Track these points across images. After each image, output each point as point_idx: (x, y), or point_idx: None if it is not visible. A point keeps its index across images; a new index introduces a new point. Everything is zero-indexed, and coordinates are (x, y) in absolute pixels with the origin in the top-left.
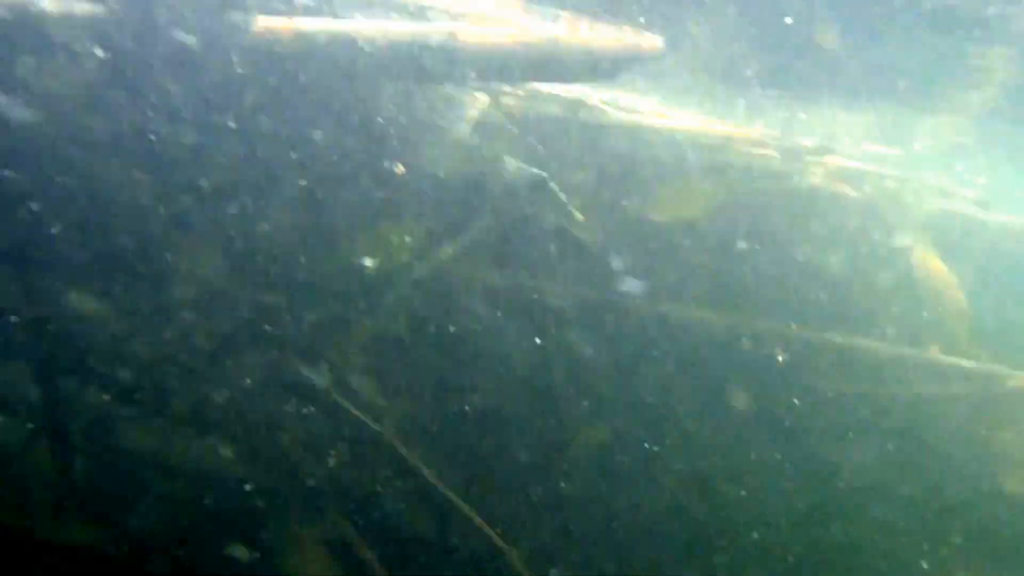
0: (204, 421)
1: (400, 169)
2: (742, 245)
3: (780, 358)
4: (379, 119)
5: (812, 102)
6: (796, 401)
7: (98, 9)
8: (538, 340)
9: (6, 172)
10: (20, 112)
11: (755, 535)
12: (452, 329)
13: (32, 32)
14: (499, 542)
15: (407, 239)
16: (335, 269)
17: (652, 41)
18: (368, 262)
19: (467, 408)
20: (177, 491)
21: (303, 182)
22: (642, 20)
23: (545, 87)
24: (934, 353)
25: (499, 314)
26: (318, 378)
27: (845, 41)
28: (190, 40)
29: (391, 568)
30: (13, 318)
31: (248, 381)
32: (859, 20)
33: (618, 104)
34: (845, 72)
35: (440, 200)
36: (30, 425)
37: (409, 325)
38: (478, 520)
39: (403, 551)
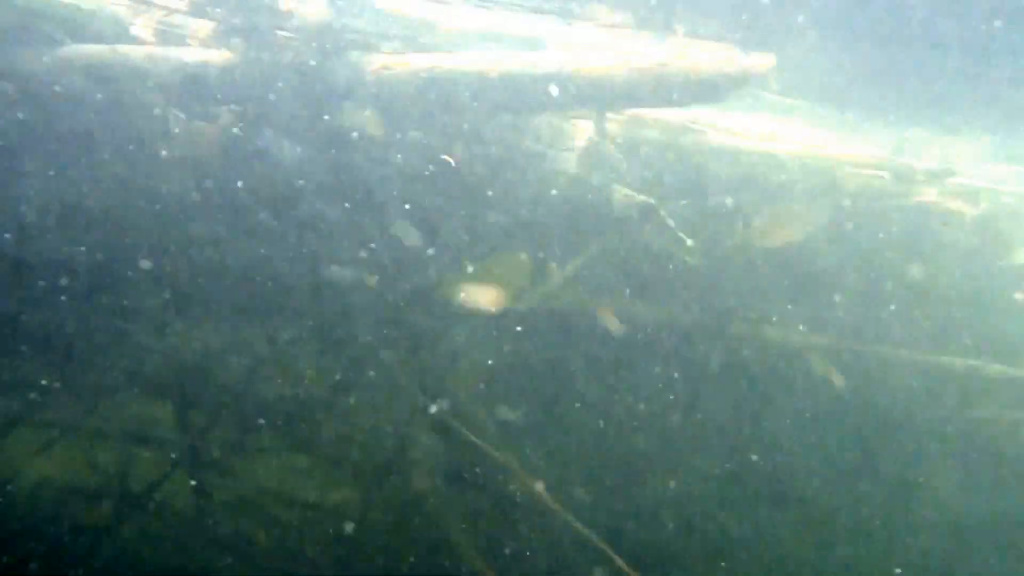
0: (329, 456)
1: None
2: (853, 266)
3: (895, 383)
4: (489, 150)
5: (925, 123)
6: (912, 427)
7: (228, 57)
8: (650, 365)
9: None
10: None
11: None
12: (563, 355)
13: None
14: None
15: (519, 268)
16: (449, 298)
17: (760, 61)
18: (481, 291)
19: (584, 432)
20: (299, 523)
21: (413, 212)
22: (750, 40)
23: (649, 112)
24: None
25: (611, 340)
26: (441, 410)
27: (959, 63)
28: (312, 80)
29: None
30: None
31: (371, 415)
32: (973, 40)
33: (719, 126)
34: (962, 93)
35: (549, 229)
36: (169, 457)
37: (521, 352)
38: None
39: None
